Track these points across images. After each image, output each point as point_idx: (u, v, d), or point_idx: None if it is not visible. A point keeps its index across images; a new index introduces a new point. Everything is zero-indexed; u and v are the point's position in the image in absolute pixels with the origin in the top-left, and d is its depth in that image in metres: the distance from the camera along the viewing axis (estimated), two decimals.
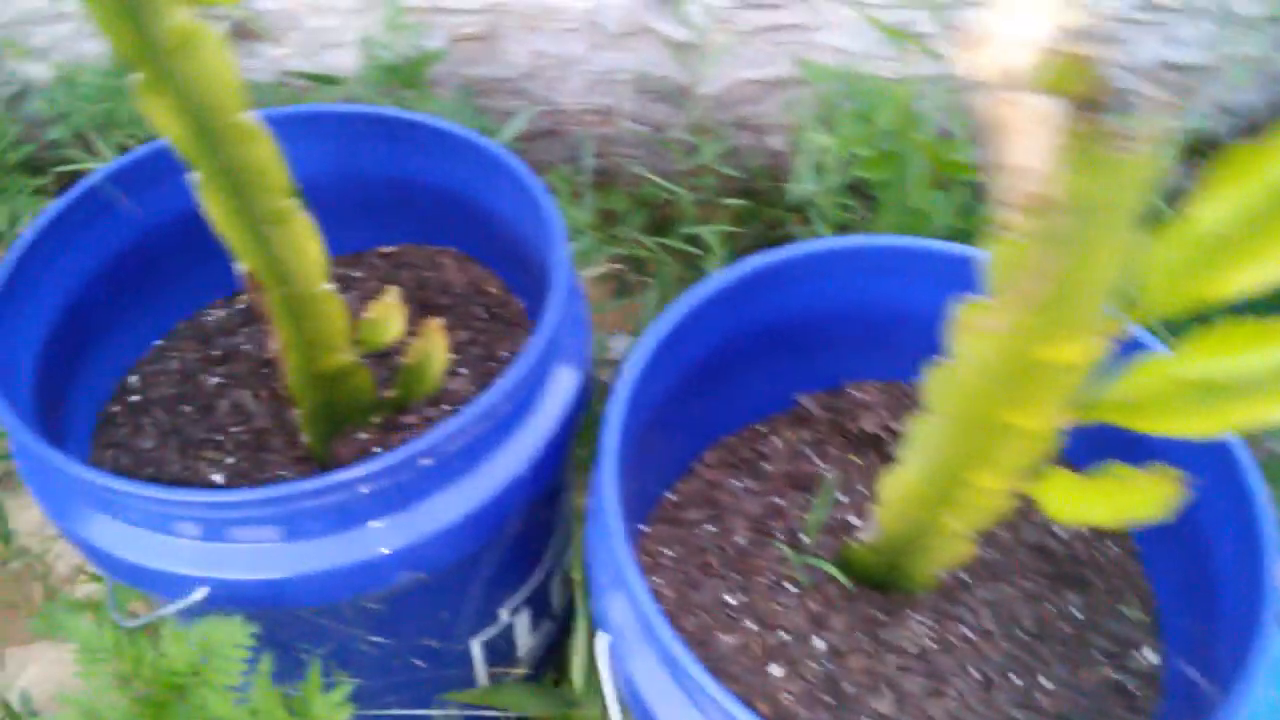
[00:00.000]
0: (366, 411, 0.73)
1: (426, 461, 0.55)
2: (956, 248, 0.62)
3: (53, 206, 0.66)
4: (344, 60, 0.98)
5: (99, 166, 0.72)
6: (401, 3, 0.89)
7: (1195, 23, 0.88)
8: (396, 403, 0.72)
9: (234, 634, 0.54)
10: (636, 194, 0.99)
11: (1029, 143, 0.32)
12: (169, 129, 0.55)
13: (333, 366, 0.69)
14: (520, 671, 0.79)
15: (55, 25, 0.99)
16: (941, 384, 0.48)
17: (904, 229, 0.79)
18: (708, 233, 0.91)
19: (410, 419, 0.74)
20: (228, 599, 0.57)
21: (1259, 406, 0.41)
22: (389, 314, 0.64)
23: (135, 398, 0.74)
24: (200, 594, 0.57)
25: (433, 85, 0.91)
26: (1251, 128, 0.89)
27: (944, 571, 0.62)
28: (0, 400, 0.56)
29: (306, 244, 0.63)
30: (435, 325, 0.64)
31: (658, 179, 0.96)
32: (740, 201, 0.95)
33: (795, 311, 0.66)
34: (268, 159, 0.58)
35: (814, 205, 0.85)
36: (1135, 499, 0.47)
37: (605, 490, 0.51)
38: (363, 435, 0.73)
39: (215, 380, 0.76)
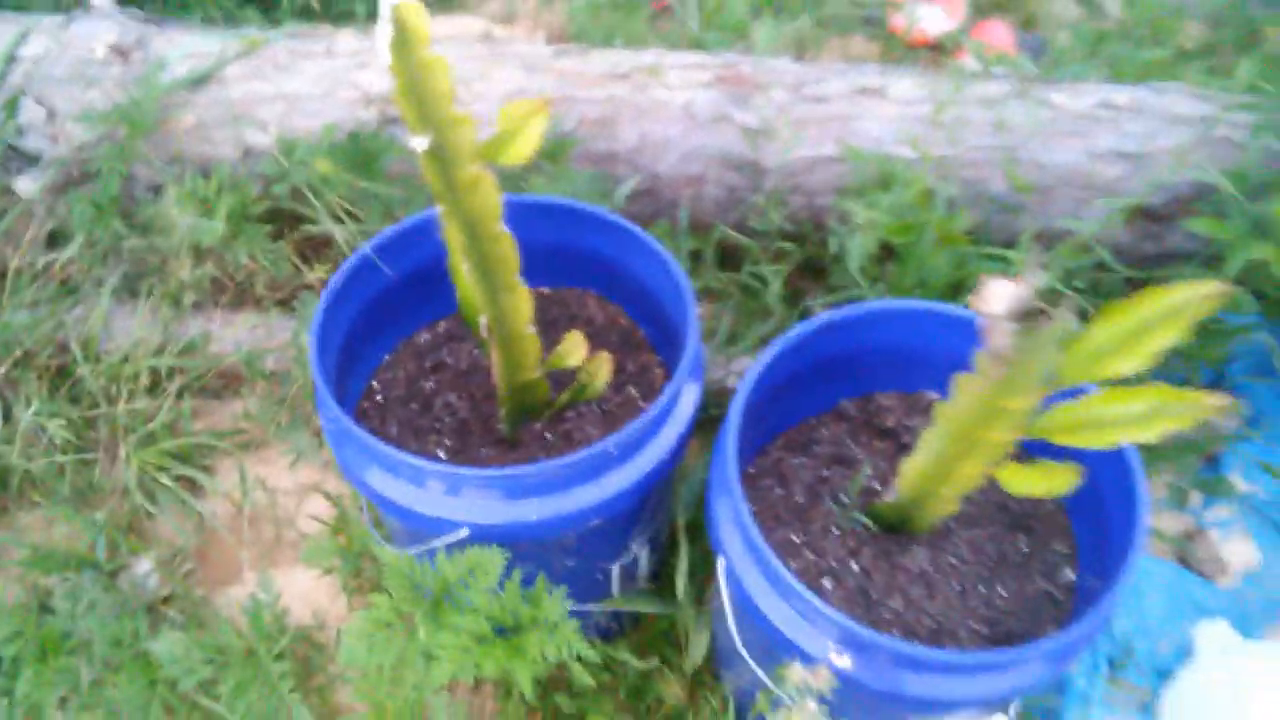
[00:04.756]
0: (543, 409, 1.05)
1: (613, 451, 0.87)
2: (953, 308, 0.94)
3: (343, 268, 0.98)
4: None
5: (336, 227, 1.01)
6: (545, 94, 1.18)
7: (1140, 119, 1.18)
8: (562, 403, 1.04)
9: (493, 556, 0.87)
10: (715, 240, 1.29)
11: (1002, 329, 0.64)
12: (454, 237, 0.86)
13: (525, 380, 1.01)
14: (642, 586, 1.12)
15: (274, 105, 1.29)
16: (945, 412, 0.80)
17: (918, 279, 1.09)
18: (767, 271, 1.22)
19: (570, 414, 1.06)
20: (480, 536, 0.89)
21: (1123, 433, 0.73)
22: (573, 349, 0.95)
23: (380, 398, 1.06)
24: (463, 533, 0.89)
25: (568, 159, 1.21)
26: (1178, 201, 1.18)
27: (938, 520, 0.94)
28: (325, 395, 0.89)
29: (522, 303, 0.94)
30: (604, 357, 0.96)
31: (731, 230, 1.26)
32: (792, 246, 1.25)
33: (845, 346, 0.97)
34: (509, 252, 0.90)
35: (849, 257, 1.16)
36: (1054, 480, 0.79)
37: (729, 459, 0.83)
38: (538, 426, 1.06)
39: (430, 385, 1.08)
